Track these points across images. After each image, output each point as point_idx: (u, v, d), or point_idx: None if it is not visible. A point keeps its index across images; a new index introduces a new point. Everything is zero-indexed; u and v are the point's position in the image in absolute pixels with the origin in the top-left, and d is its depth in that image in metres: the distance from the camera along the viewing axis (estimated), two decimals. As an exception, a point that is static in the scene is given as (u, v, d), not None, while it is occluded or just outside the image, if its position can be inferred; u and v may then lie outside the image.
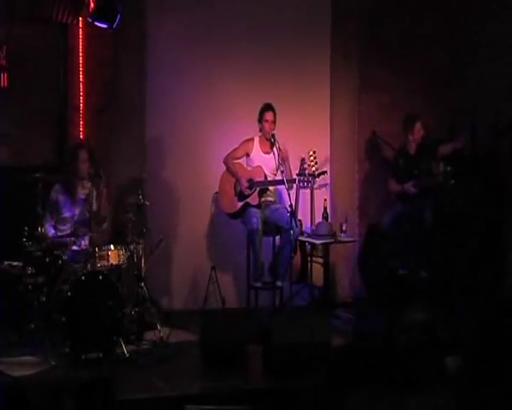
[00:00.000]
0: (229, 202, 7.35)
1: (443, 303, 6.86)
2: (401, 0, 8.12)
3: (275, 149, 7.21)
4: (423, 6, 8.13)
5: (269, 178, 7.25)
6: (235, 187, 7.34)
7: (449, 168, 7.16)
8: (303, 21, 8.03)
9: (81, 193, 6.78)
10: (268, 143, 7.28)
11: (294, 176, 7.23)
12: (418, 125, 7.49)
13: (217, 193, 7.50)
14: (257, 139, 7.34)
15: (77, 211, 6.72)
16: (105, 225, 6.79)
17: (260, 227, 7.14)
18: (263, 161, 7.29)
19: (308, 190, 7.59)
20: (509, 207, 7.40)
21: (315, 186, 7.50)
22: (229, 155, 7.34)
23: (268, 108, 7.23)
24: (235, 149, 7.36)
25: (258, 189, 7.24)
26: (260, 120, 7.26)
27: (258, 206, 7.25)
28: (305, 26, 8.04)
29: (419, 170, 7.41)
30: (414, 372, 3.61)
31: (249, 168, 7.36)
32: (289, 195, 7.02)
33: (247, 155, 7.37)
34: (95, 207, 6.75)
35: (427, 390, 3.57)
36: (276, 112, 7.25)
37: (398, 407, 3.45)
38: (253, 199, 7.25)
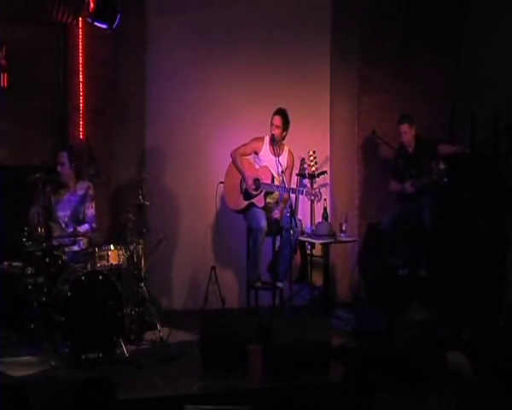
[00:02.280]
0: (235, 199, 7.34)
1: (443, 303, 6.86)
2: (401, 0, 8.11)
3: (282, 154, 7.22)
4: (423, 6, 8.13)
5: (276, 181, 7.25)
6: (241, 184, 7.33)
7: (443, 166, 7.15)
8: (303, 22, 8.03)
9: (76, 193, 6.79)
10: (276, 145, 7.28)
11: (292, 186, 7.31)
12: (403, 127, 7.45)
13: (222, 183, 7.47)
14: (267, 139, 7.33)
15: (69, 211, 6.73)
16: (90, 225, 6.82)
17: (264, 230, 7.13)
18: (270, 162, 7.28)
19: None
20: (508, 206, 7.40)
21: (315, 186, 7.50)
22: (237, 149, 7.31)
23: (276, 112, 7.25)
24: (245, 144, 7.34)
25: (264, 191, 7.24)
26: (270, 122, 7.27)
27: (264, 207, 7.24)
28: (305, 27, 8.04)
29: (417, 169, 7.40)
30: (416, 371, 3.62)
31: (257, 166, 7.35)
32: (289, 195, 7.04)
33: (256, 153, 7.36)
34: (91, 207, 6.79)
35: (429, 389, 3.58)
36: (289, 119, 7.25)
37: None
38: (259, 201, 7.23)
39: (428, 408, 3.81)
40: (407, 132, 7.46)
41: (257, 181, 7.24)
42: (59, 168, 6.74)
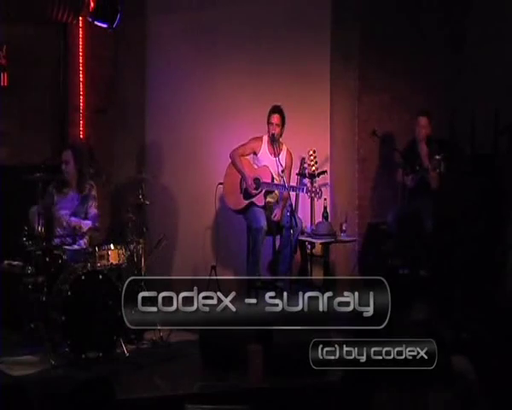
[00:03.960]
0: (235, 199, 7.33)
1: (443, 302, 6.86)
2: (401, 0, 8.11)
3: (281, 153, 7.21)
4: (423, 6, 8.12)
5: (275, 181, 7.25)
6: (240, 183, 7.33)
7: (438, 157, 7.11)
8: (303, 21, 8.02)
9: (79, 193, 6.79)
10: (276, 144, 7.27)
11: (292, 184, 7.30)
12: (423, 120, 7.38)
13: (221, 184, 7.47)
14: (265, 139, 7.33)
15: (71, 210, 6.73)
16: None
17: (264, 230, 7.14)
18: (269, 162, 7.28)
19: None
20: (508, 206, 7.40)
21: (315, 186, 7.49)
22: (236, 150, 7.30)
23: (274, 110, 7.23)
24: (243, 145, 7.33)
25: (264, 190, 7.24)
26: (267, 121, 7.27)
27: (264, 207, 7.25)
28: (305, 26, 8.02)
29: (421, 167, 7.37)
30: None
31: (256, 167, 7.35)
32: (289, 194, 7.03)
33: (255, 153, 7.36)
34: (94, 206, 6.78)
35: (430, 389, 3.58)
36: (285, 115, 7.25)
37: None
38: (259, 200, 7.23)
39: (429, 408, 3.81)
40: (426, 127, 7.39)
41: (257, 180, 7.25)
42: (63, 167, 6.70)
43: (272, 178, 7.26)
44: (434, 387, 3.75)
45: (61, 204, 6.75)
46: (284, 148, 7.35)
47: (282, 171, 7.11)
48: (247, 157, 7.38)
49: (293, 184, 7.41)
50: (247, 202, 7.28)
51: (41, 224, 6.34)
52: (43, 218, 6.54)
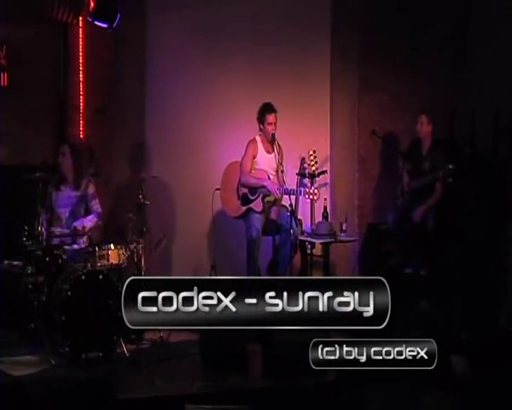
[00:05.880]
0: (233, 206, 7.32)
1: (443, 302, 6.86)
2: (401, 0, 8.12)
3: (275, 148, 7.21)
4: (423, 6, 8.13)
5: (273, 178, 7.23)
6: (237, 190, 7.32)
7: (451, 166, 7.12)
8: (303, 21, 8.03)
9: (77, 191, 6.79)
10: (269, 142, 7.27)
11: (289, 179, 7.27)
12: (421, 117, 7.40)
13: (218, 189, 7.45)
14: (259, 139, 7.32)
15: (69, 208, 6.73)
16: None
17: (261, 236, 7.15)
18: (266, 162, 7.28)
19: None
20: (508, 207, 7.41)
21: (315, 186, 7.49)
22: (243, 170, 7.20)
23: (270, 110, 7.20)
24: (245, 161, 7.22)
25: (261, 194, 7.23)
26: (262, 121, 7.24)
27: (262, 211, 7.24)
28: (305, 26, 8.03)
29: (427, 168, 7.37)
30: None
31: (253, 171, 7.33)
32: (289, 195, 7.04)
33: (254, 156, 7.34)
34: (96, 204, 6.79)
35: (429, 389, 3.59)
36: (277, 111, 7.26)
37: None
38: (257, 205, 7.22)
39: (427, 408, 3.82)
40: (423, 124, 7.39)
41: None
42: (59, 159, 6.72)
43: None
44: (434, 387, 3.75)
45: (59, 201, 6.75)
46: (275, 142, 7.30)
47: (282, 171, 7.10)
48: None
49: (291, 182, 7.39)
50: (244, 208, 7.27)
51: (41, 224, 6.34)
52: (43, 218, 6.56)
